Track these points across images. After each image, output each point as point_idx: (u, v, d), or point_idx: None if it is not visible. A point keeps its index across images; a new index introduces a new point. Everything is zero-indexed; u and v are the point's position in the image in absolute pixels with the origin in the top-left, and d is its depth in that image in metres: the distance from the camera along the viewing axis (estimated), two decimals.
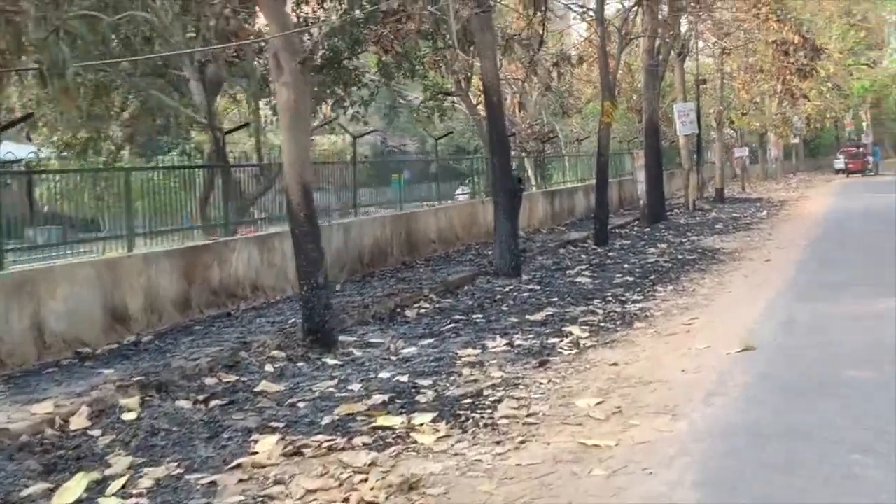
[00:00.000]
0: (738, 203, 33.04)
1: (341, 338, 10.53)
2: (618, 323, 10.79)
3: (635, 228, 23.90)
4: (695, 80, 33.96)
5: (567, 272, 15.60)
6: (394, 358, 9.47)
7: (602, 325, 10.70)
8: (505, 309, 12.23)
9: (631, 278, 14.39)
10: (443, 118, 20.87)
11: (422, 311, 12.53)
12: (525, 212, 22.63)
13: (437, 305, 12.90)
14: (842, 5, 48.83)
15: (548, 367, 8.68)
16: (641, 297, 12.58)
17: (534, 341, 9.84)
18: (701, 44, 31.62)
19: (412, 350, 9.79)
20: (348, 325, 11.37)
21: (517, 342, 9.84)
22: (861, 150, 56.87)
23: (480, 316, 11.75)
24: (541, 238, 21.38)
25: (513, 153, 25.81)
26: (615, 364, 8.63)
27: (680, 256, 17.00)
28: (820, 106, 51.74)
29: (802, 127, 55.54)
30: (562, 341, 9.79)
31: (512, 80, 24.42)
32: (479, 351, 9.52)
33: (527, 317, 11.38)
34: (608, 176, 21.50)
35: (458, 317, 11.74)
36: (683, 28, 28.21)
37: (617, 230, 23.29)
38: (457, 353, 9.40)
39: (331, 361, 9.43)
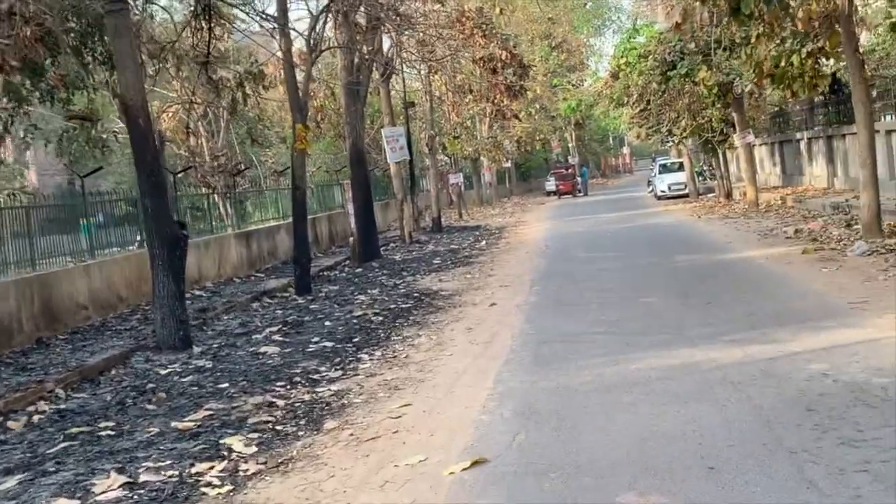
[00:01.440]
0: (456, 232, 31.20)
1: None
2: (302, 422, 7.73)
3: (345, 269, 21.09)
4: (402, 103, 31.92)
5: (254, 337, 12.43)
6: None
7: (279, 427, 7.61)
8: (152, 408, 8.83)
9: (330, 343, 11.40)
10: (102, 150, 16.95)
11: (35, 417, 8.90)
12: (214, 258, 19.26)
13: (62, 406, 9.29)
14: (542, 28, 49.30)
15: None
16: (340, 373, 9.63)
17: (171, 472, 6.56)
18: (406, 65, 29.47)
19: None
20: None
21: (144, 476, 6.50)
22: (570, 171, 57.62)
23: (112, 424, 8.27)
24: (232, 289, 17.97)
25: (202, 190, 22.35)
26: None
27: (393, 305, 14.24)
28: (529, 128, 52.03)
29: (513, 150, 55.68)
30: (213, 468, 6.60)
31: (190, 104, 20.92)
32: (78, 503, 6.11)
33: (175, 423, 8.04)
34: (307, 212, 18.54)
35: (78, 428, 8.21)
36: (386, 44, 25.89)
37: (325, 272, 20.43)
38: None
39: None
